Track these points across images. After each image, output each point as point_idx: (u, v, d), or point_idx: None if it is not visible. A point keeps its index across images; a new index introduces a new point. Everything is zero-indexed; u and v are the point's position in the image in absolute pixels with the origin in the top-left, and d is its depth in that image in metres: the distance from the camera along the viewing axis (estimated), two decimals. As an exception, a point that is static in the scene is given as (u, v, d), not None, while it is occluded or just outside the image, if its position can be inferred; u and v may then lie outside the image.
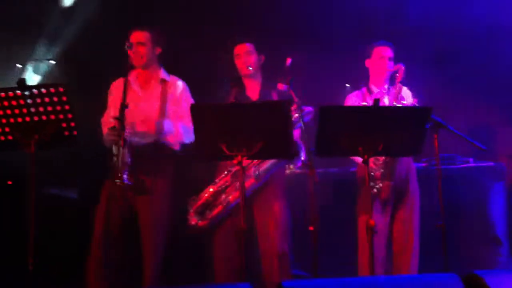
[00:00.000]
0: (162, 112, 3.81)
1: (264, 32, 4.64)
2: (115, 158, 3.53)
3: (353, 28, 4.97)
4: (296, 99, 3.65)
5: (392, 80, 4.06)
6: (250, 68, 3.97)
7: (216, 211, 3.86)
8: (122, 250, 3.68)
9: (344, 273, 3.85)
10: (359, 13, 5.04)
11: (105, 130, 3.75)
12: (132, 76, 3.88)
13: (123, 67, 3.62)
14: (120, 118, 3.38)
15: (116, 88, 3.89)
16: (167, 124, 3.79)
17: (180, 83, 3.95)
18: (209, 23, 4.92)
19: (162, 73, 3.94)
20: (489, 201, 4.73)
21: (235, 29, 4.78)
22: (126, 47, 3.62)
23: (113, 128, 3.55)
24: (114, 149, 3.55)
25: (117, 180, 3.44)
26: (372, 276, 3.34)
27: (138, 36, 3.81)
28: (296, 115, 3.65)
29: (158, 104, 3.82)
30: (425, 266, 4.05)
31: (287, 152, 3.39)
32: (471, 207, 4.71)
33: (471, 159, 4.83)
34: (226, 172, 3.88)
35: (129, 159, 3.49)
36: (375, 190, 3.86)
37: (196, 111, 3.33)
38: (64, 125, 3.25)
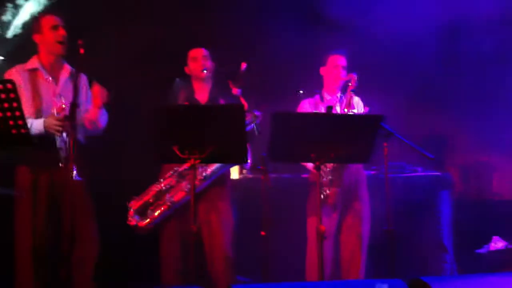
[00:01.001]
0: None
1: (216, 39, 4.64)
2: (62, 152, 3.50)
3: (307, 34, 5.01)
4: (245, 104, 3.66)
5: (344, 89, 4.13)
6: (205, 71, 3.98)
7: (159, 211, 3.83)
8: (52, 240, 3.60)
9: (291, 277, 3.89)
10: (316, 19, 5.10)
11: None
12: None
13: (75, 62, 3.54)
14: (72, 118, 3.31)
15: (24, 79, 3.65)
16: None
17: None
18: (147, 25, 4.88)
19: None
20: (436, 209, 4.84)
21: (186, 36, 4.77)
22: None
23: (63, 119, 3.49)
24: (59, 140, 3.50)
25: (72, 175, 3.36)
26: (320, 282, 3.37)
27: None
28: (247, 118, 3.66)
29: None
30: (373, 272, 4.12)
31: (240, 156, 3.39)
32: (418, 215, 4.81)
33: (419, 168, 4.94)
34: (171, 172, 3.86)
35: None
36: (322, 196, 3.91)
37: (149, 112, 3.31)
38: (11, 122, 3.16)
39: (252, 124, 3.60)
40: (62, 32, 3.67)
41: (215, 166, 3.83)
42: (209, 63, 4.01)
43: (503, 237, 5.03)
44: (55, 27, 3.66)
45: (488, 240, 5.04)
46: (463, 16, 5.13)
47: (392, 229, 3.72)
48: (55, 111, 3.55)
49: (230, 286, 2.74)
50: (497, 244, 4.99)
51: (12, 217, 3.62)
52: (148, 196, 3.84)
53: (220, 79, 4.02)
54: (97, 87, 3.62)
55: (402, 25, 5.12)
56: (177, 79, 4.03)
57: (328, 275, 4.04)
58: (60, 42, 3.67)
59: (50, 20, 3.68)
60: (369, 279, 4.00)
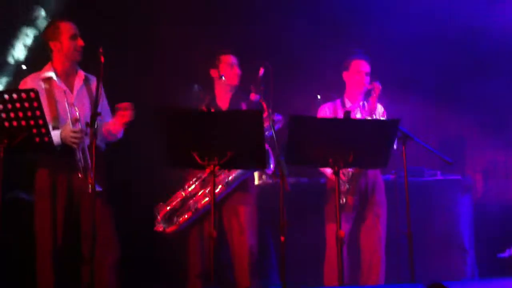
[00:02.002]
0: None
1: (236, 43, 4.67)
2: (80, 163, 3.52)
3: (326, 39, 5.02)
4: (267, 109, 3.67)
5: (367, 96, 4.09)
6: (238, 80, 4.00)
7: (184, 217, 3.86)
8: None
9: (308, 282, 3.90)
10: (333, 24, 5.11)
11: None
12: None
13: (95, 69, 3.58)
14: (92, 126, 3.34)
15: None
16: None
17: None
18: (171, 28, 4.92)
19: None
20: (456, 213, 4.81)
21: (207, 41, 4.82)
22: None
23: (81, 131, 3.51)
24: (78, 153, 3.53)
25: (90, 186, 3.39)
26: (341, 286, 3.37)
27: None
28: (267, 123, 3.67)
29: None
30: (393, 275, 4.11)
31: (259, 161, 3.40)
32: (438, 219, 4.79)
33: (438, 172, 4.91)
34: (195, 179, 3.89)
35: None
36: (340, 202, 3.90)
37: (167, 116, 3.33)
38: (35, 131, 3.22)
39: (271, 131, 3.60)
40: (80, 42, 3.66)
41: (237, 172, 3.84)
42: (240, 71, 4.02)
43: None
44: (74, 37, 3.65)
45: (510, 244, 5.00)
46: (482, 18, 5.12)
47: (410, 232, 3.70)
48: (70, 122, 3.55)
49: (250, 289, 2.75)
50: (519, 248, 4.95)
51: (31, 221, 3.66)
52: (174, 202, 3.88)
53: (242, 85, 4.03)
54: (126, 105, 3.62)
55: (419, 25, 5.13)
56: (196, 86, 4.04)
57: (346, 280, 4.03)
58: (78, 51, 3.68)
59: (70, 29, 3.65)
60: (389, 283, 4.00)
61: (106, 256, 3.63)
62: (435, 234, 4.75)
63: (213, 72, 4.03)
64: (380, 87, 3.96)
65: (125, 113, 3.61)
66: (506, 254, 4.94)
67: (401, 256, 3.90)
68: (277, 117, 3.79)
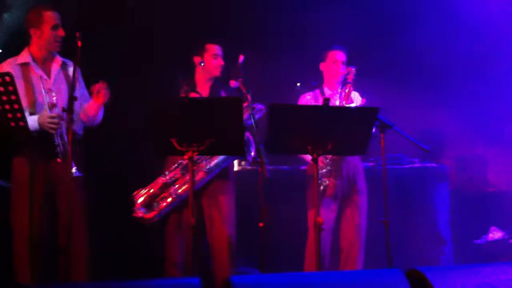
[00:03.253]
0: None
1: (216, 30, 4.65)
2: (59, 148, 3.50)
3: (307, 27, 5.03)
4: (247, 96, 3.67)
5: (344, 84, 4.14)
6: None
7: (164, 203, 3.84)
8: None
9: (290, 268, 3.91)
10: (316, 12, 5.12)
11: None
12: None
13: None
14: (70, 111, 3.31)
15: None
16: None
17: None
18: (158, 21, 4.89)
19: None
20: (433, 201, 4.86)
21: (189, 28, 4.78)
22: None
23: (58, 117, 3.49)
24: (56, 138, 3.51)
25: (72, 171, 3.39)
26: (318, 272, 3.40)
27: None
28: (247, 112, 3.67)
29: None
30: (371, 263, 4.15)
31: (238, 148, 3.41)
32: (416, 207, 4.84)
33: (416, 160, 4.96)
34: (176, 165, 3.87)
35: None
36: (321, 187, 3.94)
37: (148, 105, 3.32)
38: (10, 115, 3.18)
39: (251, 119, 3.60)
40: (61, 33, 3.63)
41: (218, 159, 3.84)
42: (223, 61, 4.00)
43: (501, 227, 5.07)
44: (55, 27, 3.62)
45: (485, 231, 5.07)
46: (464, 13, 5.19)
47: (387, 220, 3.74)
48: (47, 108, 3.53)
49: (230, 277, 2.75)
50: (495, 234, 5.02)
51: (8, 208, 3.62)
52: (154, 188, 3.85)
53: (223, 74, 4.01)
54: (100, 85, 3.60)
55: (396, 11, 5.17)
56: (180, 72, 4.01)
57: (327, 266, 4.08)
58: (58, 42, 3.65)
59: (52, 19, 3.62)
60: (367, 269, 4.03)
61: (80, 244, 3.62)
62: (412, 221, 4.80)
63: (196, 59, 4.00)
64: (355, 71, 4.01)
65: (100, 93, 3.60)
66: (482, 240, 5.01)
67: (379, 243, 3.93)
68: (259, 106, 3.79)
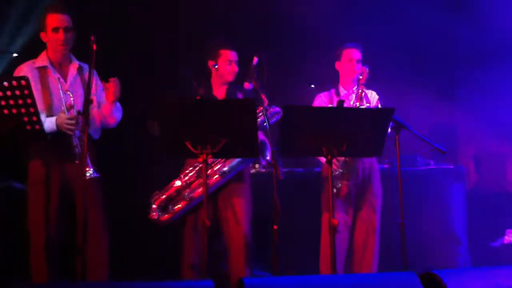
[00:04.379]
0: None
1: (231, 32, 4.65)
2: (77, 149, 3.53)
3: (321, 27, 5.02)
4: (264, 97, 3.67)
5: (358, 83, 4.12)
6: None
7: (179, 206, 3.86)
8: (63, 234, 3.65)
9: (305, 271, 3.90)
10: (328, 15, 5.10)
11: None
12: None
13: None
14: (85, 114, 3.33)
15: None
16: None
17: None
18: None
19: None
20: (449, 202, 4.82)
21: (201, 30, 4.79)
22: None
23: (76, 118, 3.51)
24: (74, 139, 3.54)
25: (87, 174, 3.42)
26: (333, 275, 3.38)
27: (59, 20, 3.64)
28: (261, 114, 3.66)
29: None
30: (386, 265, 4.12)
31: (252, 151, 3.41)
32: (432, 208, 4.80)
33: (432, 161, 4.92)
34: (191, 168, 3.88)
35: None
36: (334, 190, 3.92)
37: (161, 107, 3.33)
38: (26, 119, 3.20)
39: (266, 122, 3.59)
40: (61, 36, 3.61)
41: (234, 162, 3.83)
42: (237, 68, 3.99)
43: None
44: (56, 30, 3.60)
45: (502, 234, 5.02)
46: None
47: (402, 222, 3.72)
48: (65, 109, 3.55)
49: (242, 279, 2.76)
50: (511, 237, 4.97)
51: (24, 210, 3.65)
52: (170, 191, 3.87)
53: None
54: (111, 81, 3.61)
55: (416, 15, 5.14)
56: (188, 70, 4.00)
57: (342, 269, 4.06)
58: (60, 45, 3.64)
59: (53, 21, 3.60)
60: (381, 272, 4.01)
61: (99, 245, 3.64)
62: (428, 223, 4.76)
63: (210, 63, 3.99)
64: (368, 71, 3.99)
65: (109, 90, 3.59)
66: (498, 243, 4.96)
67: (394, 245, 3.91)
68: (276, 109, 3.78)
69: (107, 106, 3.69)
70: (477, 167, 5.44)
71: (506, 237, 4.96)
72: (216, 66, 3.95)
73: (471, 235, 4.83)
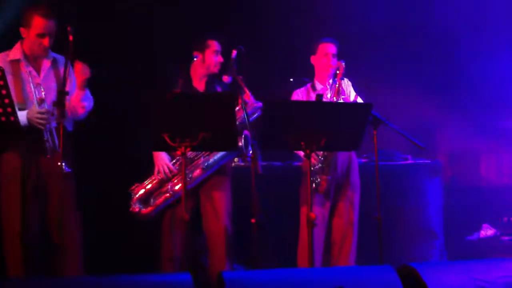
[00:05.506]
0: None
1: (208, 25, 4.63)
2: (48, 143, 3.49)
3: (299, 23, 5.02)
4: (246, 89, 3.66)
5: (334, 76, 4.13)
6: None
7: (161, 199, 3.84)
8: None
9: (283, 265, 3.91)
10: (308, 9, 5.11)
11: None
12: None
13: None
14: (60, 105, 3.29)
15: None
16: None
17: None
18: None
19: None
20: (426, 197, 4.86)
21: (180, 20, 4.76)
22: None
23: (46, 112, 3.47)
24: (45, 134, 3.49)
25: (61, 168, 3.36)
26: (310, 268, 3.40)
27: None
28: (242, 110, 3.65)
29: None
30: (363, 258, 4.15)
31: (231, 144, 3.40)
32: (408, 202, 4.84)
33: (409, 156, 4.96)
34: (174, 161, 3.87)
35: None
36: (314, 185, 3.93)
37: (140, 100, 3.30)
38: (0, 110, 3.16)
39: (246, 117, 3.58)
40: (46, 43, 3.56)
41: (216, 156, 3.83)
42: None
43: (492, 224, 5.08)
44: (41, 35, 3.55)
45: (478, 228, 5.09)
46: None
47: (379, 216, 3.74)
48: (36, 103, 3.50)
49: (221, 273, 2.75)
50: (487, 231, 5.04)
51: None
52: (151, 184, 3.85)
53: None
54: (78, 65, 3.54)
55: (392, 10, 5.17)
56: (170, 65, 3.98)
57: (320, 262, 4.08)
58: (41, 49, 3.59)
59: (40, 26, 3.54)
60: (358, 265, 4.04)
61: (73, 239, 3.60)
62: (405, 217, 4.80)
63: (197, 55, 3.96)
64: (344, 65, 3.99)
65: (78, 68, 3.54)
66: (474, 237, 5.03)
67: (370, 239, 3.94)
68: (258, 104, 3.76)
69: (76, 93, 3.62)
70: (452, 163, 5.50)
71: (482, 231, 5.02)
72: (204, 57, 3.92)
73: (447, 229, 4.88)
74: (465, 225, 5.09)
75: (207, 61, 3.93)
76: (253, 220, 3.49)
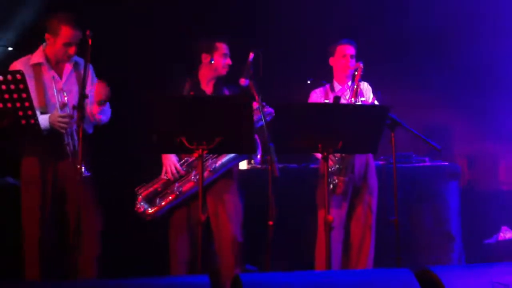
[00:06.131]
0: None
1: (226, 27, 4.64)
2: (69, 147, 3.53)
3: (316, 24, 5.02)
4: (256, 95, 3.66)
5: (353, 78, 4.13)
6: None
7: (167, 200, 3.85)
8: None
9: (299, 267, 3.90)
10: (322, 10, 5.11)
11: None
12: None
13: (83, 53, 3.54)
14: (80, 108, 3.32)
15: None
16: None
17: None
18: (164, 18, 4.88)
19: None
20: (444, 199, 4.83)
21: (193, 23, 4.78)
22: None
23: (69, 116, 3.50)
24: (66, 138, 3.54)
25: (81, 173, 3.39)
26: (328, 270, 3.39)
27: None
28: (258, 113, 3.64)
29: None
30: (380, 261, 4.13)
31: (248, 147, 3.40)
32: (426, 205, 4.81)
33: (427, 158, 4.94)
34: (181, 162, 3.88)
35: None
36: (331, 186, 3.92)
37: (157, 103, 3.32)
38: (21, 113, 3.19)
39: (262, 120, 3.58)
40: (72, 51, 3.61)
41: (225, 158, 3.83)
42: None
43: (511, 227, 5.03)
44: (68, 44, 3.60)
45: (496, 230, 5.04)
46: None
47: (397, 218, 3.72)
48: (58, 107, 3.56)
49: (238, 275, 2.75)
50: (506, 234, 4.99)
51: (16, 206, 3.64)
52: (157, 184, 3.86)
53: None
54: (98, 84, 3.60)
55: (409, 15, 5.15)
56: (181, 70, 4.00)
57: (338, 265, 4.06)
58: (67, 56, 3.65)
59: (68, 35, 3.58)
60: (377, 268, 4.02)
61: (91, 245, 3.64)
62: (422, 220, 4.77)
63: (205, 57, 3.96)
64: (362, 66, 4.00)
65: (96, 91, 3.57)
66: (492, 240, 4.98)
67: (388, 242, 3.92)
68: (269, 110, 3.77)
69: (94, 107, 3.67)
70: (471, 165, 5.46)
71: (501, 234, 4.98)
72: (212, 60, 3.94)
73: (465, 232, 4.85)
74: (484, 228, 5.05)
75: (215, 64, 3.94)
76: (270, 223, 3.49)
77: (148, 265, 4.30)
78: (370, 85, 4.22)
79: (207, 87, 4.00)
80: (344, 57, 4.16)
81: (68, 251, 3.60)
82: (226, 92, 3.99)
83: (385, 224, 3.86)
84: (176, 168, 3.84)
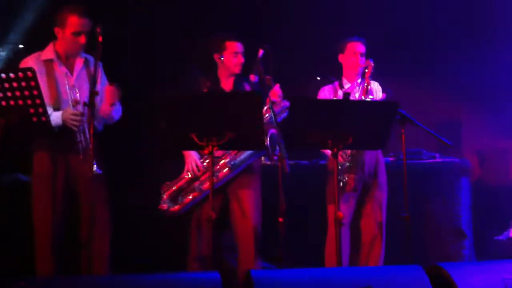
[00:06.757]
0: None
1: (236, 24, 4.65)
2: (81, 144, 3.55)
3: (324, 20, 5.01)
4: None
5: (363, 75, 4.12)
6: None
7: (189, 198, 3.87)
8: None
9: (310, 264, 3.90)
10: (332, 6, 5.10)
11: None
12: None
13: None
14: (91, 105, 3.34)
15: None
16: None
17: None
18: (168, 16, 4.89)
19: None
20: (454, 196, 4.81)
21: (205, 21, 4.78)
22: None
23: (80, 114, 3.52)
24: (78, 135, 3.55)
25: (92, 170, 3.40)
26: (339, 267, 3.39)
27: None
28: (268, 107, 3.66)
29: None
30: (391, 258, 4.12)
31: (258, 144, 3.41)
32: (436, 201, 4.80)
33: (437, 155, 4.92)
34: (202, 160, 3.89)
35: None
36: (341, 183, 3.92)
37: (167, 101, 3.32)
38: (32, 110, 3.20)
39: (272, 116, 3.59)
40: (82, 40, 3.62)
41: (244, 155, 3.84)
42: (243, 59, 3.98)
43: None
44: (77, 33, 3.60)
45: (507, 227, 5.02)
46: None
47: (408, 215, 3.71)
48: (71, 104, 3.57)
49: (250, 272, 2.76)
50: (517, 231, 4.97)
51: (27, 202, 3.65)
52: (180, 182, 3.89)
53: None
54: (109, 87, 3.61)
55: (419, 11, 5.14)
56: (193, 66, 4.01)
57: (347, 262, 4.06)
58: (77, 47, 3.65)
59: (76, 24, 3.59)
60: (387, 265, 4.01)
61: (102, 241, 3.64)
62: (433, 216, 4.76)
63: (216, 56, 3.98)
64: (373, 64, 3.99)
65: (107, 94, 3.60)
66: (503, 236, 4.96)
67: (398, 239, 3.91)
68: (286, 104, 3.76)
69: (105, 107, 3.68)
70: (481, 161, 5.44)
71: (512, 231, 4.95)
72: (222, 58, 3.94)
73: (476, 229, 4.83)
74: (494, 225, 5.03)
75: (226, 63, 3.95)
76: (280, 219, 3.50)
77: (159, 262, 4.33)
78: (380, 84, 4.19)
79: (226, 85, 4.00)
80: (354, 54, 4.14)
81: (79, 247, 3.62)
82: (247, 87, 3.99)
83: (396, 220, 3.85)
84: (197, 165, 3.85)
